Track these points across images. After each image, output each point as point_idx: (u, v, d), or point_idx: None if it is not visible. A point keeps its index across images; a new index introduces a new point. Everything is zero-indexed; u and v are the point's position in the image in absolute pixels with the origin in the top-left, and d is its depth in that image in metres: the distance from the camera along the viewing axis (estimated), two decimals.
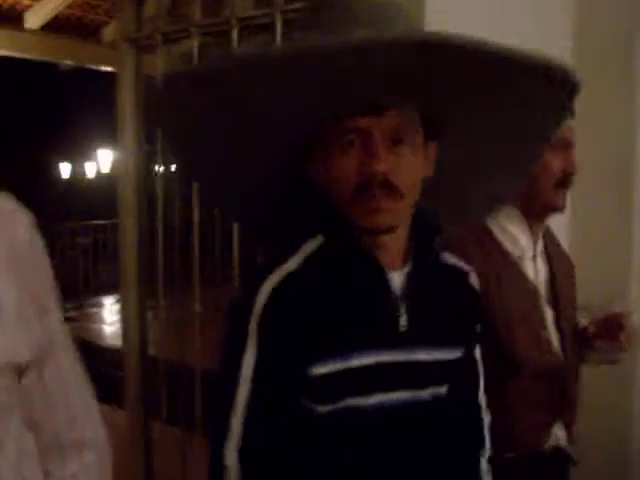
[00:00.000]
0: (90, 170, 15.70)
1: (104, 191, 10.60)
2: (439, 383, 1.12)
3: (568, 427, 1.62)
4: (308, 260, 1.06)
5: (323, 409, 1.01)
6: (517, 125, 1.08)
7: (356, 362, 1.01)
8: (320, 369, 0.99)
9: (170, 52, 2.28)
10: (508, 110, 1.03)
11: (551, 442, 1.58)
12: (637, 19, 2.62)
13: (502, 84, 0.95)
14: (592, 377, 2.42)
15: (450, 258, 1.20)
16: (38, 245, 0.87)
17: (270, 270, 1.03)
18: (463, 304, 1.19)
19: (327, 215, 1.08)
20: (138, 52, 2.42)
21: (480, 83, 0.95)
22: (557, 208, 1.59)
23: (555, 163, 1.54)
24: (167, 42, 2.28)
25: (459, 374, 1.17)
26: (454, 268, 1.20)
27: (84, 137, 14.57)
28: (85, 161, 15.76)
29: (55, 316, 0.91)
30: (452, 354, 1.14)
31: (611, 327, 1.65)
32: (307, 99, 0.97)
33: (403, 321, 1.06)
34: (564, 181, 1.56)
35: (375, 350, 1.04)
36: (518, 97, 1.00)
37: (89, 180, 15.73)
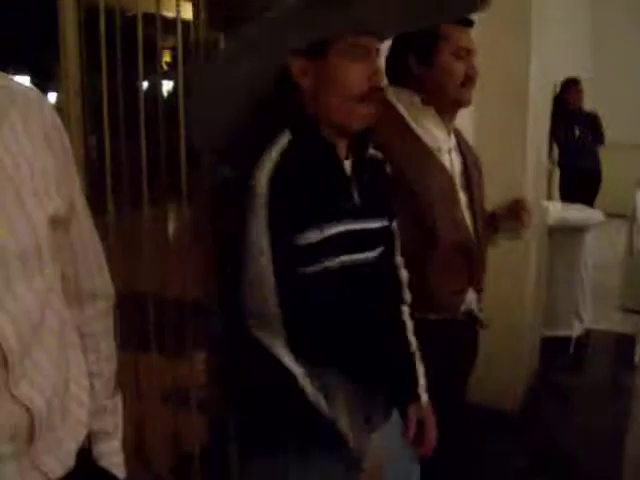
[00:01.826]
0: None
1: None
2: (380, 245, 1.43)
3: (478, 293, 1.94)
4: (284, 153, 1.29)
5: (310, 270, 1.27)
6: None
7: (330, 231, 1.28)
8: (303, 240, 1.26)
9: None
10: None
11: (465, 306, 1.91)
12: None
13: None
14: (497, 265, 2.85)
15: (372, 150, 1.48)
16: (61, 124, 1.06)
17: (257, 158, 1.27)
18: (384, 183, 1.50)
19: (296, 113, 1.34)
20: None
21: None
22: (464, 103, 1.89)
23: (459, 68, 1.83)
24: None
25: (386, 239, 1.48)
26: (376, 157, 1.50)
27: None
28: None
29: (77, 184, 1.10)
30: (384, 222, 1.46)
31: (514, 209, 1.99)
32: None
33: (356, 197, 1.36)
34: (467, 82, 1.85)
35: (341, 221, 1.31)
36: None
37: None
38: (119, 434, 1.19)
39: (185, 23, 2.51)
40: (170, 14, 2.38)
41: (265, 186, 1.23)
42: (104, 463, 1.13)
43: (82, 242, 1.12)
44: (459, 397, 2.06)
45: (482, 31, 3.06)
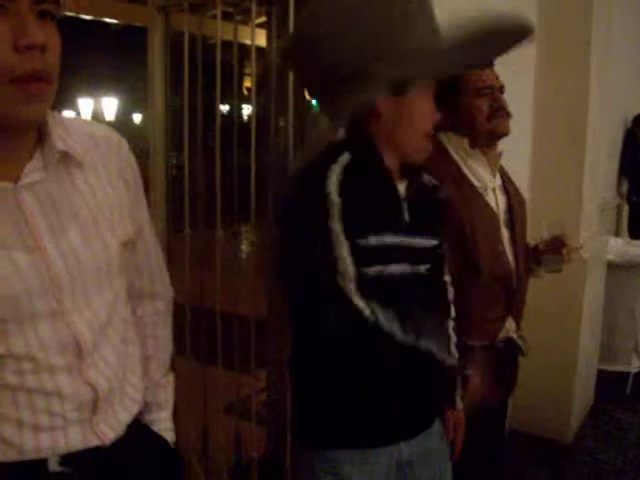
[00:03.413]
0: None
1: None
2: (429, 262, 1.54)
3: (517, 321, 2.08)
4: (347, 169, 1.39)
5: (366, 271, 1.36)
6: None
7: (385, 240, 1.40)
8: (365, 242, 1.36)
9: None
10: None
11: (504, 333, 2.04)
12: None
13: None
14: (554, 299, 2.94)
15: (426, 177, 1.63)
16: (134, 162, 1.28)
17: (325, 166, 1.37)
18: (438, 208, 1.64)
19: (359, 137, 1.47)
20: (166, 17, 2.79)
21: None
22: (499, 133, 2.02)
23: (482, 103, 1.98)
24: (193, 10, 2.64)
25: (435, 258, 1.60)
26: (431, 184, 1.64)
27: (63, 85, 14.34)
28: (62, 109, 15.86)
29: (145, 208, 1.32)
30: (433, 242, 1.57)
31: (556, 244, 2.12)
32: None
33: (406, 215, 1.50)
34: (494, 114, 1.98)
35: (393, 234, 1.44)
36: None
37: None
38: (170, 406, 1.39)
39: (260, 50, 2.72)
40: (248, 41, 2.57)
41: (336, 195, 1.32)
42: (155, 428, 1.34)
43: (146, 256, 1.35)
44: (499, 419, 2.19)
45: (541, 70, 3.20)
